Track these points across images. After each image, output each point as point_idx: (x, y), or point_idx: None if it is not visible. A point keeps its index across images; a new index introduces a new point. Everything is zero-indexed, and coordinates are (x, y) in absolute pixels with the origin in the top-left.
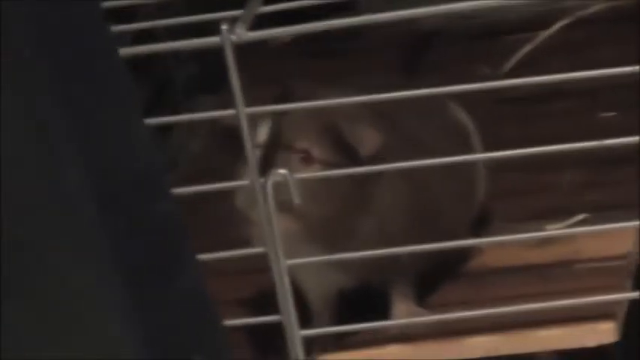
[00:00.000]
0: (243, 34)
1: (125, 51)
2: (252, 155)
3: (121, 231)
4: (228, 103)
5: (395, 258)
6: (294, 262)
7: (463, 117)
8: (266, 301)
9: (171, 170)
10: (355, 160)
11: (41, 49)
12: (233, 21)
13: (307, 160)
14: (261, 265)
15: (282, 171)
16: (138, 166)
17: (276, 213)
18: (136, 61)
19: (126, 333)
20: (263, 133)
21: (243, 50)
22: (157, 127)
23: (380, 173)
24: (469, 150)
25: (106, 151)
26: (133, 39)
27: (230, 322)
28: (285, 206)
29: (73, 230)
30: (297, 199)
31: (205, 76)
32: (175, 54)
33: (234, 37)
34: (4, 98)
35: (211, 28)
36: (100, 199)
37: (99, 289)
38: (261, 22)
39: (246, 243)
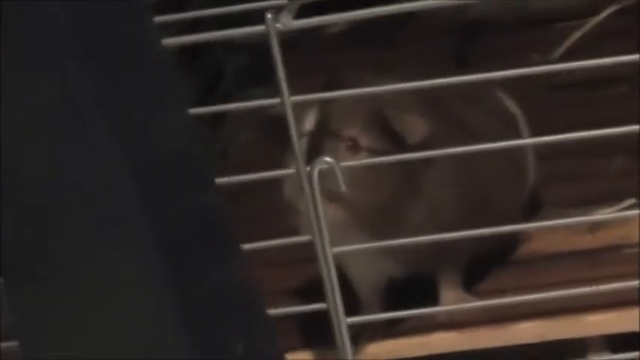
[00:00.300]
0: (289, 22)
1: (170, 41)
2: (298, 143)
3: (165, 222)
4: (276, 94)
5: (444, 245)
6: (339, 250)
7: (511, 104)
8: (314, 291)
9: (221, 160)
10: (403, 147)
11: (77, 33)
12: (279, 10)
13: (354, 148)
14: (309, 255)
15: (328, 159)
16: (180, 157)
17: (323, 201)
18: (188, 53)
19: (171, 323)
20: (310, 121)
21: (292, 40)
22: (207, 118)
23: (429, 160)
24: (517, 136)
25: (147, 141)
26: (181, 29)
27: (276, 311)
28: (331, 195)
29: (117, 219)
30: (343, 187)
31: (256, 68)
32: (227, 45)
33: (279, 26)
34: (40, 78)
35: (260, 18)
36: (143, 189)
37: (144, 278)
38: (308, 11)
39: (293, 233)
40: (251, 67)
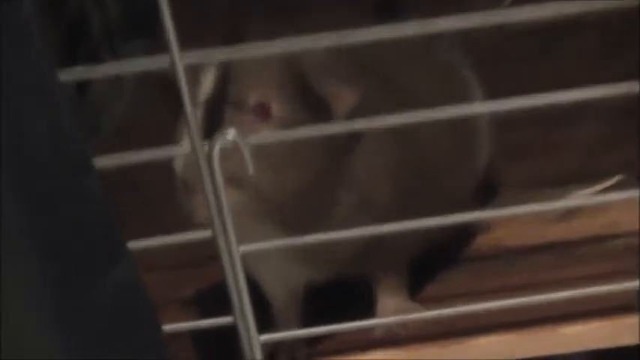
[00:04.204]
0: None
1: None
2: (193, 114)
3: (31, 212)
4: (161, 49)
5: (380, 240)
6: (249, 249)
7: (458, 60)
8: (216, 299)
9: (90, 138)
10: (326, 119)
11: None
12: None
13: (264, 117)
14: (208, 254)
15: (231, 133)
16: (47, 134)
17: (226, 187)
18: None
19: (49, 338)
20: (207, 85)
21: None
22: (71, 83)
23: (359, 135)
24: (467, 100)
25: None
26: None
27: (171, 327)
28: (237, 179)
29: None
30: (251, 170)
31: (131, 17)
32: None
33: None
34: None
35: None
36: (12, 177)
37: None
38: None
39: (190, 226)
40: (124, 16)
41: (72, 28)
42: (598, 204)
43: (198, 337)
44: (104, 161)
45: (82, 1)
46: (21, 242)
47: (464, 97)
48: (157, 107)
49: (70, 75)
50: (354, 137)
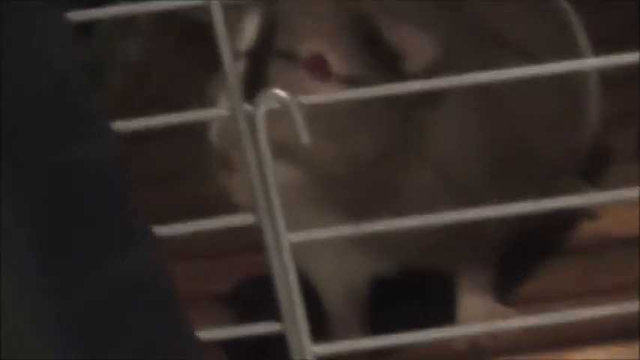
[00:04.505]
0: None
1: None
2: (233, 68)
3: (30, 188)
4: None
5: (463, 226)
6: (300, 238)
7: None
8: (257, 297)
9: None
10: (396, 75)
11: None
12: None
13: (319, 73)
14: (250, 242)
15: (280, 92)
16: (49, 86)
17: (273, 159)
18: None
19: (48, 337)
20: (250, 30)
21: None
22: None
23: (439, 95)
24: (572, 48)
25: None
26: None
27: (206, 333)
28: (287, 150)
29: None
30: (305, 138)
31: None
32: None
33: None
34: None
35: None
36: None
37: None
38: None
39: (225, 206)
40: None
41: None
42: None
43: (232, 342)
44: (114, 126)
45: None
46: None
47: (567, 44)
48: (181, 55)
49: (79, 16)
50: (434, 98)
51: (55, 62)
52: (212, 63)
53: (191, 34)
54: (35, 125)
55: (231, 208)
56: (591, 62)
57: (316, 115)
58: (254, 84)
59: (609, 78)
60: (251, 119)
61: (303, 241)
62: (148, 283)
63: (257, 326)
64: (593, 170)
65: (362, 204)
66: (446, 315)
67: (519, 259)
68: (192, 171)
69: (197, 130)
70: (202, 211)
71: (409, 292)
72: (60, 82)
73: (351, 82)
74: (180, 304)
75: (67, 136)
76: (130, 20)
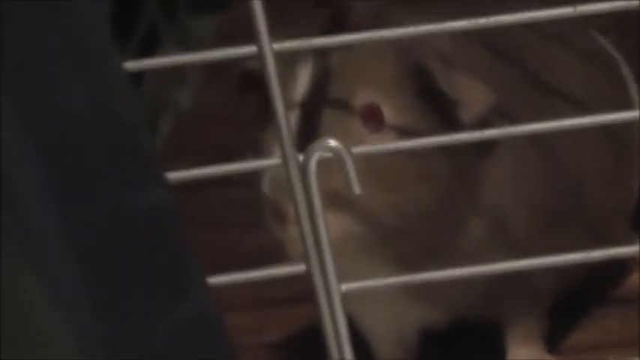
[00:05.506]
0: None
1: None
2: (285, 118)
3: (84, 234)
4: (239, 29)
5: (514, 277)
6: (352, 287)
7: (613, 50)
8: (310, 348)
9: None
10: (452, 125)
11: None
12: None
13: (374, 123)
14: (301, 291)
15: (333, 142)
16: (109, 133)
17: (325, 210)
18: None
19: None
20: (303, 81)
21: None
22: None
23: (493, 146)
24: (623, 98)
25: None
26: None
27: None
28: (339, 199)
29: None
30: (357, 188)
31: None
32: None
33: None
34: None
35: None
36: (56, 181)
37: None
38: None
39: (277, 256)
40: None
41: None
42: None
43: None
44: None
45: None
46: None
47: (619, 94)
48: (234, 105)
49: (133, 65)
50: (488, 148)
51: (124, 112)
52: (265, 113)
53: (244, 84)
54: (97, 167)
55: (284, 257)
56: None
57: (370, 166)
58: (307, 134)
59: None
60: (303, 169)
61: (355, 290)
62: (203, 332)
63: None
64: None
65: (414, 255)
66: None
67: (569, 308)
68: (246, 221)
69: (250, 181)
70: (255, 261)
71: (459, 343)
72: (121, 126)
73: (406, 132)
74: (234, 355)
75: (129, 182)
76: (182, 69)
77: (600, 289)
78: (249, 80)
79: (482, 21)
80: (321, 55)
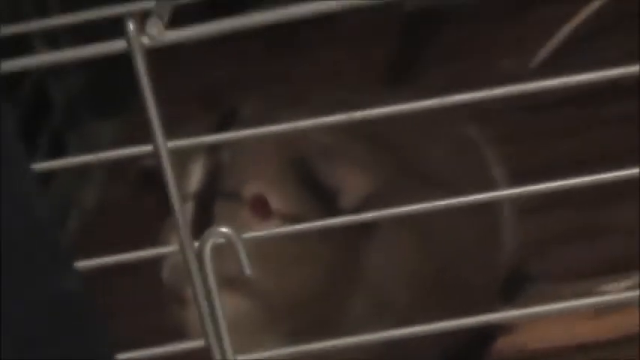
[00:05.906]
0: (159, 33)
1: None
2: (181, 209)
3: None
4: (137, 130)
5: (397, 345)
6: (248, 359)
7: (477, 136)
8: None
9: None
10: (332, 211)
11: None
12: (143, 16)
13: (262, 212)
14: None
15: (225, 229)
16: (30, 230)
17: (220, 290)
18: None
19: None
20: (197, 175)
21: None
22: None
23: (372, 227)
24: (489, 181)
25: None
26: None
27: None
28: (232, 281)
29: None
30: (248, 270)
31: (96, 90)
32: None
33: (145, 40)
34: None
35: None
36: None
37: None
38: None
39: (180, 333)
40: (88, 89)
41: (30, 106)
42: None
43: None
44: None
45: (41, 75)
46: None
47: (485, 177)
48: (134, 201)
49: (38, 166)
50: (367, 230)
51: (36, 208)
52: (164, 206)
53: (143, 180)
54: (21, 261)
55: (185, 336)
56: (506, 193)
57: (259, 251)
58: (202, 223)
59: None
60: (199, 254)
61: None
62: None
63: None
64: (511, 289)
65: (305, 330)
66: None
67: None
68: (148, 305)
69: (152, 268)
70: (158, 340)
71: None
72: (39, 225)
73: (291, 219)
74: None
75: (46, 272)
76: (86, 169)
77: (472, 351)
78: (148, 177)
79: (358, 114)
80: (212, 151)
